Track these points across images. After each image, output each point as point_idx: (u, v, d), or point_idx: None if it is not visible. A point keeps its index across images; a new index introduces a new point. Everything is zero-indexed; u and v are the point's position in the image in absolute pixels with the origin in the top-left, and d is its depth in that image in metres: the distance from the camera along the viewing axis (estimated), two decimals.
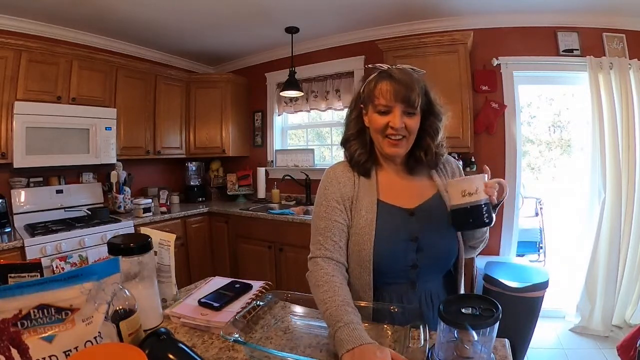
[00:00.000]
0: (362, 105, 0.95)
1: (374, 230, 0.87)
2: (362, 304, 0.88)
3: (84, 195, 2.79)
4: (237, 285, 1.02)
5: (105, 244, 0.84)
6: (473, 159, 2.62)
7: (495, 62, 2.59)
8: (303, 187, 3.23)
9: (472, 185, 0.79)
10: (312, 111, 3.40)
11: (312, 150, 3.38)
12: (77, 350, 0.56)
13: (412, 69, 0.91)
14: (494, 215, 0.81)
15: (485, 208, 0.79)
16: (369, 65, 0.95)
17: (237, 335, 0.70)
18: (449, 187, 0.83)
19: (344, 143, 0.99)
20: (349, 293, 0.80)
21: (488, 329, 0.61)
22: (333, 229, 0.89)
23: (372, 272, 0.87)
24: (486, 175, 0.82)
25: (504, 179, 2.59)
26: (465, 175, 0.97)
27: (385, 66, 0.91)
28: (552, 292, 2.19)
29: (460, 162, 2.45)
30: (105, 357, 0.53)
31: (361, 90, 0.95)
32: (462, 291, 0.99)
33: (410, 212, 0.91)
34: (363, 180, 0.95)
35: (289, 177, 3.24)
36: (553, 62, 2.49)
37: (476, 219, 0.79)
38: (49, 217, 2.51)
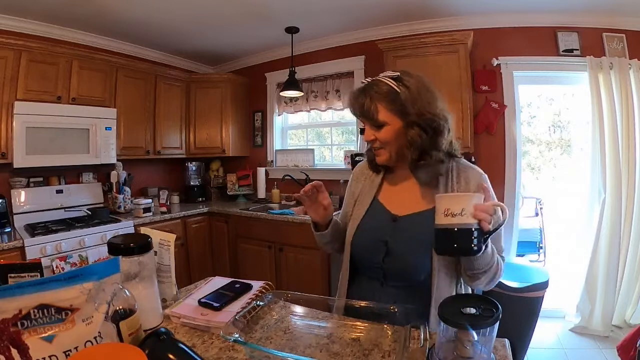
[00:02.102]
0: None
1: (358, 223, 1.00)
2: (362, 303, 0.88)
3: (84, 195, 2.79)
4: (237, 285, 1.02)
5: (105, 244, 0.84)
6: (473, 159, 2.62)
7: (495, 62, 2.59)
8: (303, 187, 3.22)
9: (457, 205, 0.69)
10: (312, 111, 3.40)
11: (312, 150, 3.39)
12: (77, 350, 0.56)
13: (386, 78, 0.89)
14: (482, 245, 0.71)
15: (473, 233, 0.68)
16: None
17: (237, 335, 0.70)
18: (436, 202, 0.74)
19: None
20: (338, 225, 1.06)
21: (488, 329, 0.61)
22: (342, 215, 1.12)
23: (349, 255, 1.02)
24: (481, 196, 0.72)
25: (504, 179, 2.62)
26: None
27: (364, 81, 0.93)
28: (552, 292, 2.19)
29: None
30: (105, 357, 0.53)
31: None
32: (434, 312, 0.86)
33: (394, 218, 0.97)
34: (372, 177, 1.06)
35: (289, 177, 3.24)
36: (553, 62, 2.49)
37: (458, 244, 0.70)
38: (49, 217, 2.51)
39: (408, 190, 0.98)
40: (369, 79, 0.93)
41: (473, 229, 0.69)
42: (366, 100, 0.89)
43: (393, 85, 0.87)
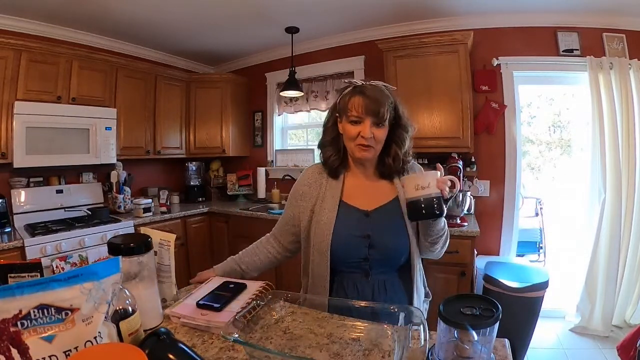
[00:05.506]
0: (337, 115, 1.08)
1: (332, 227, 1.04)
2: (363, 303, 0.88)
3: (84, 195, 2.79)
4: (231, 285, 1.03)
5: (105, 244, 0.84)
6: (473, 159, 2.62)
7: (495, 62, 2.59)
8: None
9: (425, 180, 0.88)
10: (312, 111, 3.40)
11: (312, 150, 3.38)
12: (77, 350, 0.56)
13: (384, 85, 1.03)
14: (444, 208, 0.90)
15: (436, 201, 0.88)
16: (345, 81, 1.07)
17: (237, 335, 0.70)
18: (404, 182, 0.93)
19: (321, 147, 1.14)
20: (252, 250, 1.28)
21: (488, 329, 0.61)
22: (287, 218, 1.18)
23: (329, 260, 1.04)
24: (439, 172, 0.92)
25: (504, 179, 2.63)
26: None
27: (359, 82, 1.04)
28: (552, 292, 2.19)
29: (461, 162, 2.45)
30: (105, 357, 0.53)
31: (337, 102, 1.07)
32: (418, 284, 1.08)
33: (366, 214, 1.06)
34: (331, 182, 1.11)
35: (289, 177, 3.24)
36: (553, 62, 2.49)
37: (428, 210, 0.88)
38: (49, 217, 2.51)
39: (370, 188, 1.10)
40: (365, 82, 1.03)
41: (437, 197, 0.88)
42: (382, 108, 0.99)
43: (397, 102, 1.05)
